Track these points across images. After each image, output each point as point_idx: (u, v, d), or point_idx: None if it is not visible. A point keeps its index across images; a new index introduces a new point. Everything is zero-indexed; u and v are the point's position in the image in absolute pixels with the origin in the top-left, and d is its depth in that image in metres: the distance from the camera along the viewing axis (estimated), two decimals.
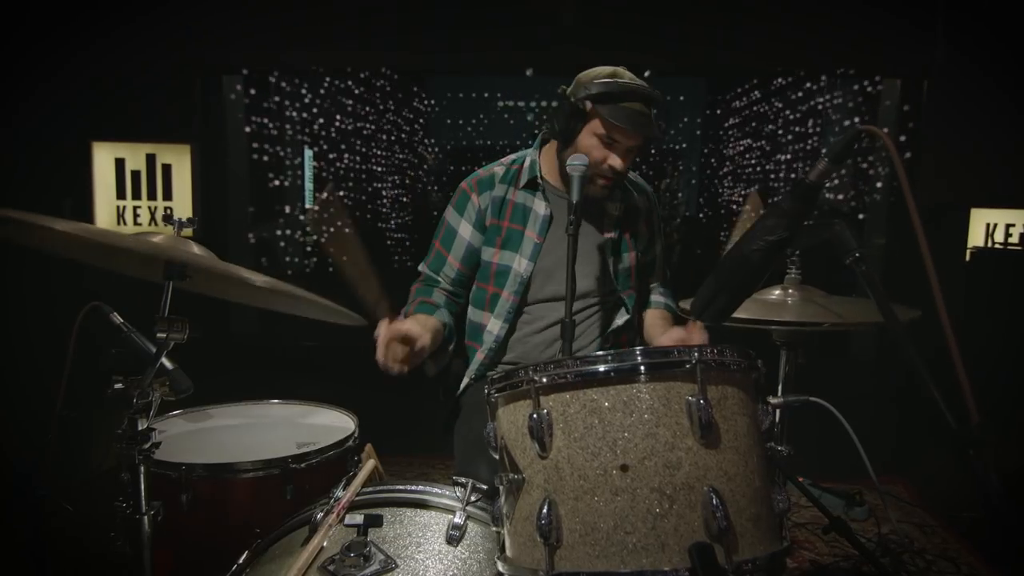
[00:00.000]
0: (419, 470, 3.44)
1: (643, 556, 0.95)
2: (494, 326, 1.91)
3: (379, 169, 8.22)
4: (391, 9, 4.90)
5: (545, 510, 1.00)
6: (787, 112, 7.13)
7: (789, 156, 7.22)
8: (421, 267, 1.99)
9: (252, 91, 6.08)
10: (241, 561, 1.33)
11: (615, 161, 1.75)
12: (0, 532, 1.85)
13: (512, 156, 2.01)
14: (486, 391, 1.16)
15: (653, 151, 8.97)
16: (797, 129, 6.97)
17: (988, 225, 4.61)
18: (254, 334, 5.78)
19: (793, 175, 6.79)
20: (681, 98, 9.16)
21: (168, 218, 1.28)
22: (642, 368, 1.01)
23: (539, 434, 1.02)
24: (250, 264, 6.10)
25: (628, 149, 1.76)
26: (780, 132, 7.39)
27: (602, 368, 1.02)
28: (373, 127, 8.04)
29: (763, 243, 1.00)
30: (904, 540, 3.00)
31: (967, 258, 4.54)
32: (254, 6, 4.93)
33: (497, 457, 1.15)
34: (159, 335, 1.25)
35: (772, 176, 7.46)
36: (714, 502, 0.95)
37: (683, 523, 0.96)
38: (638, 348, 1.06)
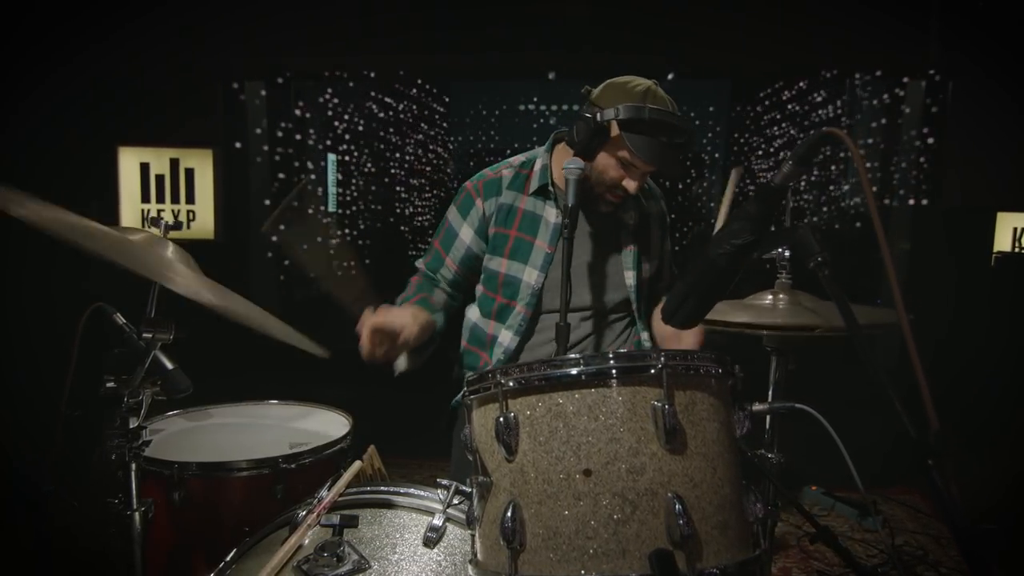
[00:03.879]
0: (428, 472, 3.46)
1: (603, 562, 0.94)
2: (505, 337, 1.84)
3: (401, 173, 8.27)
4: (411, 12, 4.94)
5: (509, 513, 1.00)
6: (810, 116, 7.03)
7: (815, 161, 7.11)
8: (419, 263, 1.95)
9: (275, 96, 6.16)
10: (228, 559, 1.35)
11: (630, 184, 1.69)
12: (3, 530, 1.89)
13: (522, 157, 1.92)
14: (462, 394, 1.16)
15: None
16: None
17: (1015, 230, 4.49)
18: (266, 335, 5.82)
19: (814, 178, 6.67)
20: (711, 109, 9.02)
21: (155, 221, 1.31)
22: (609, 372, 1.00)
23: (505, 437, 1.02)
24: (272, 268, 6.17)
25: (644, 172, 1.70)
26: (803, 136, 7.27)
27: (569, 372, 1.01)
28: (395, 131, 8.10)
29: (729, 247, 0.99)
30: (918, 552, 2.94)
31: (992, 263, 4.43)
32: (276, 12, 5.00)
33: (471, 460, 1.16)
34: (145, 335, 1.28)
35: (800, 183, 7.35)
36: (677, 508, 0.94)
37: (645, 529, 0.95)
38: (608, 352, 1.05)
